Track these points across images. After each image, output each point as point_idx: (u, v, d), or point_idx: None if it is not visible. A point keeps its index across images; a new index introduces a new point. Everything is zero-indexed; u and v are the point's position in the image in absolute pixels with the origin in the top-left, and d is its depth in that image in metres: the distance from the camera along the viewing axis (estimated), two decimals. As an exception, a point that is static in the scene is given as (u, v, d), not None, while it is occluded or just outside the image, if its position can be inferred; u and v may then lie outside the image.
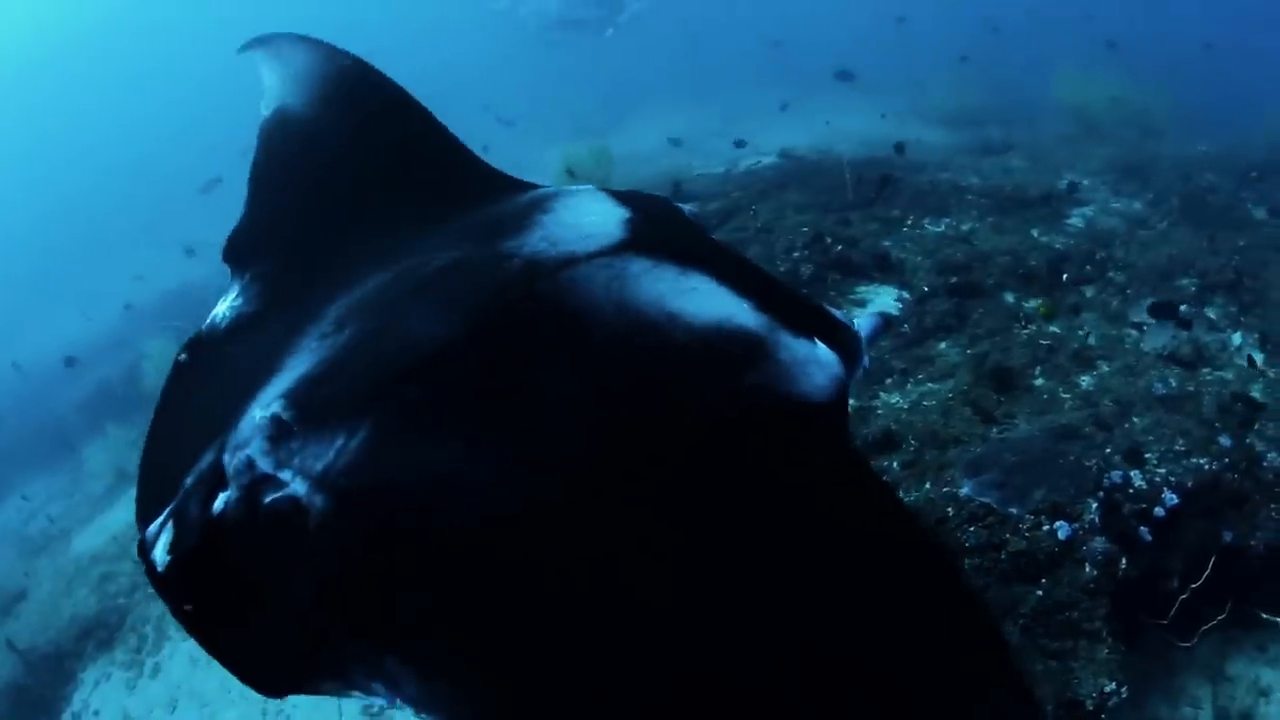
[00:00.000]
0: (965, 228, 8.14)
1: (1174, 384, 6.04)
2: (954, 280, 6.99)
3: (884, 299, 7.46)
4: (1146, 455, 5.31)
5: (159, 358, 10.19)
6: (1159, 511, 4.97)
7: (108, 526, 8.92)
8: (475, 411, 1.87)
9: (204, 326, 2.44)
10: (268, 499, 1.81)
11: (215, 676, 6.29)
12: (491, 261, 2.18)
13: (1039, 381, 6.15)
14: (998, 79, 13.40)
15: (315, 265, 2.47)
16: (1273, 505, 5.22)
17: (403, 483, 1.78)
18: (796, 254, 7.78)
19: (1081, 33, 15.95)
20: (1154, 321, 6.58)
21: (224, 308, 2.46)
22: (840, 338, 2.20)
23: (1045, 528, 4.61)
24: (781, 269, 7.60)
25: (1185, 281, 7.37)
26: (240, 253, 2.57)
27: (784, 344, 2.03)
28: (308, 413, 1.90)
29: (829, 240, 7.90)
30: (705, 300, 2.06)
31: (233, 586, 1.81)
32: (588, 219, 2.30)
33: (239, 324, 2.42)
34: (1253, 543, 5.04)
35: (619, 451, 1.82)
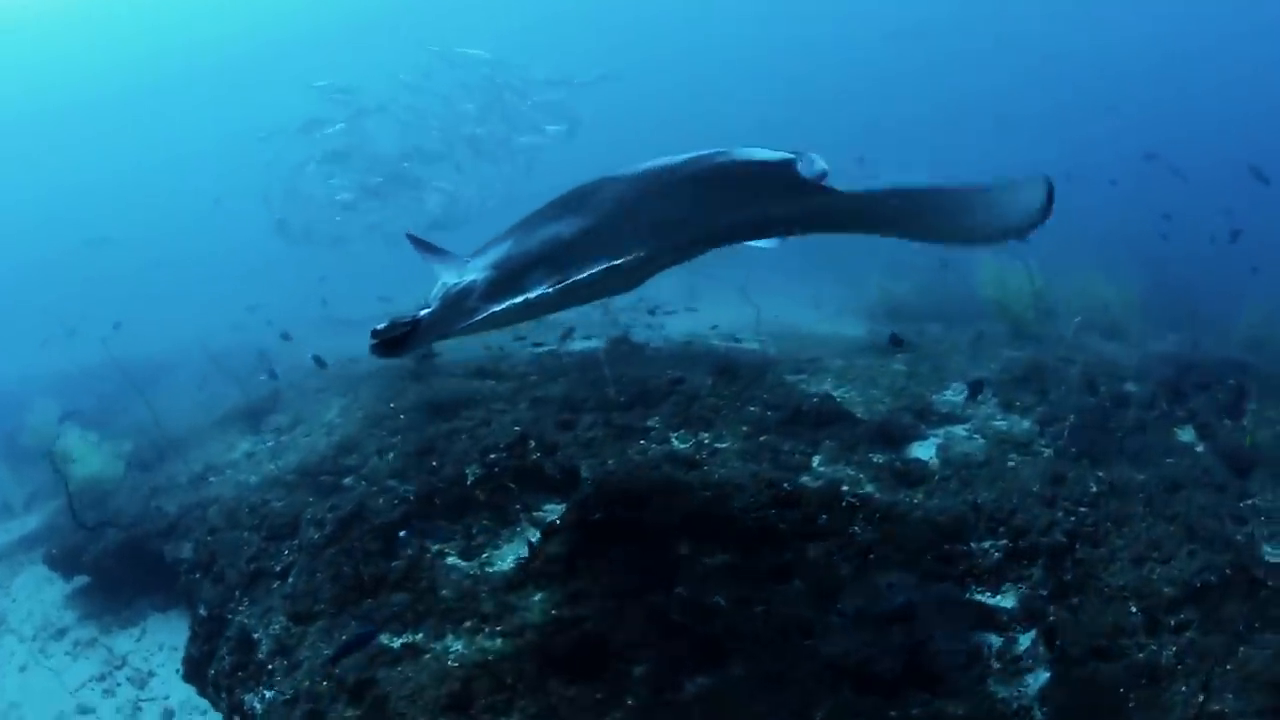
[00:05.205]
0: (721, 445, 5.96)
1: None
2: (597, 517, 4.85)
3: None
4: None
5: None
6: None
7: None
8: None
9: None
10: (457, 289, 4.16)
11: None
12: None
13: (638, 669, 3.89)
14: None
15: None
16: None
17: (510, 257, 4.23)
18: (494, 455, 5.92)
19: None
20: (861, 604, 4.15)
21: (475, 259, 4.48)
22: None
23: None
24: (466, 470, 5.77)
25: (987, 544, 4.85)
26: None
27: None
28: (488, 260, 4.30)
29: (532, 444, 5.99)
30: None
31: (407, 337, 4.08)
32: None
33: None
34: None
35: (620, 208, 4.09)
